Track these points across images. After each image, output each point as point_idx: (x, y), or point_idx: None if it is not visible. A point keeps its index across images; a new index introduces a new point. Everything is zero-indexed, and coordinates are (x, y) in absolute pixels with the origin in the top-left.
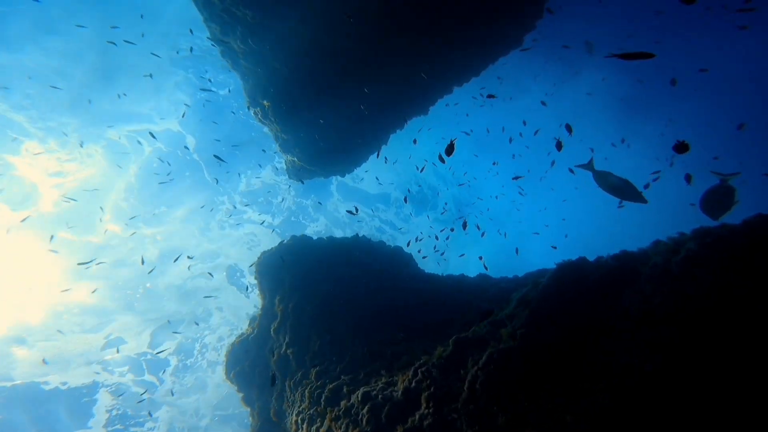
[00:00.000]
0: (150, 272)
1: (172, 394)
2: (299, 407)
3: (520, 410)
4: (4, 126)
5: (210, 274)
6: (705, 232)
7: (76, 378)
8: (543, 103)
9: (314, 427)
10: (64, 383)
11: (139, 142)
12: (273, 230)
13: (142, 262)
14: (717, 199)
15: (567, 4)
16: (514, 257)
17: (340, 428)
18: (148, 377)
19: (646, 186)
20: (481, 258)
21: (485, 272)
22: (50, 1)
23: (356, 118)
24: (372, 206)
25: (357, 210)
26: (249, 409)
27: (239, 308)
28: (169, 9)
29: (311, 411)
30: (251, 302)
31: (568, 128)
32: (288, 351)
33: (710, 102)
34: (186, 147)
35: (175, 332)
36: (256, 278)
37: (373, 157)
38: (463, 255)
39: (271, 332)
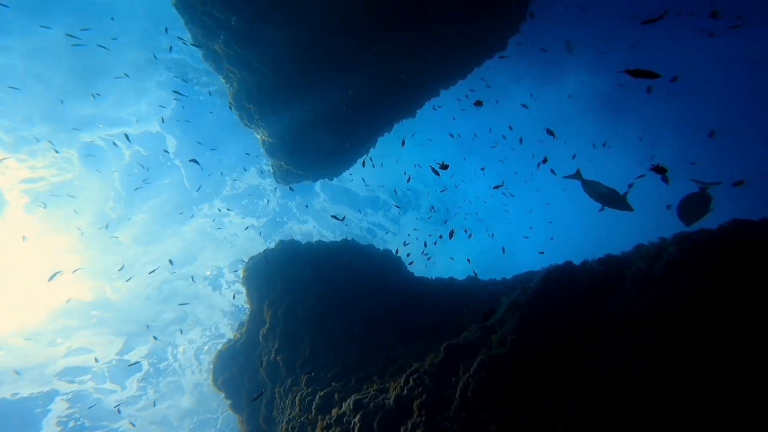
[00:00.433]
0: (128, 280)
1: (154, 405)
2: (290, 414)
3: (510, 416)
4: None
5: (192, 278)
6: (684, 237)
7: (30, 388)
8: (524, 106)
9: None
10: (15, 394)
11: (115, 144)
12: (259, 233)
13: (121, 268)
14: (693, 206)
15: (549, 7)
16: (502, 257)
17: None
18: (109, 385)
19: (631, 185)
20: (469, 261)
21: (473, 275)
22: (18, 3)
23: (344, 121)
24: (359, 208)
25: (343, 218)
26: (237, 416)
27: (217, 308)
28: (148, 9)
29: (302, 419)
30: (227, 300)
31: (550, 133)
32: (278, 357)
33: (686, 106)
34: (166, 150)
35: (155, 337)
36: (243, 284)
37: (361, 160)
38: (452, 259)
39: (260, 338)
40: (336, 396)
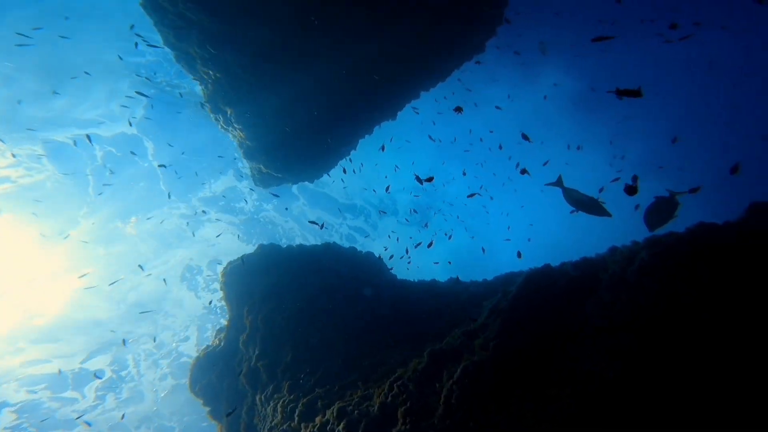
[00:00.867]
0: (112, 284)
1: (123, 418)
2: (271, 422)
3: (493, 421)
4: None
5: (164, 280)
6: (655, 241)
7: None
8: (498, 108)
9: None
10: None
11: (90, 141)
12: (237, 236)
13: (82, 276)
14: (658, 211)
15: (524, 11)
16: (482, 256)
17: None
18: (69, 394)
19: (601, 190)
20: (450, 263)
21: (455, 278)
22: None
23: (325, 124)
24: (337, 214)
25: (322, 225)
26: (217, 423)
27: (188, 311)
28: (124, 9)
29: (284, 426)
30: (202, 303)
31: (525, 137)
32: (259, 363)
33: (653, 109)
34: (132, 152)
35: (124, 341)
36: (221, 289)
37: (342, 164)
38: (437, 263)
39: (240, 344)
40: (319, 403)
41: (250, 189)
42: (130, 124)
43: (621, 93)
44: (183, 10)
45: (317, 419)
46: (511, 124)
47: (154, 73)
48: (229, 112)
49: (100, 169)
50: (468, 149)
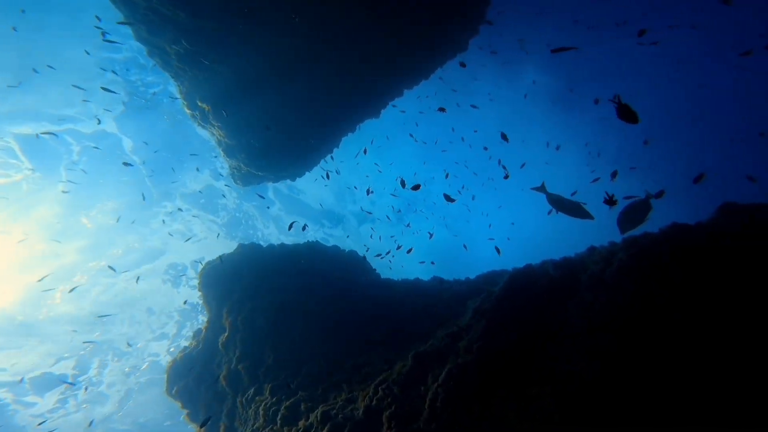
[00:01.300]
0: (71, 290)
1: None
2: (253, 425)
3: (477, 423)
4: None
5: (137, 278)
6: (632, 242)
7: None
8: (473, 106)
9: None
10: None
11: (67, 138)
12: (217, 235)
13: (42, 279)
14: (631, 214)
15: (506, 10)
16: (465, 253)
17: None
18: (31, 398)
19: (573, 194)
20: (433, 263)
21: (438, 278)
22: None
23: (307, 121)
24: (314, 221)
25: (305, 227)
26: (195, 426)
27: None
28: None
29: (267, 429)
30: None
31: (504, 137)
32: (239, 366)
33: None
34: (96, 147)
35: (92, 342)
36: (199, 290)
37: (325, 165)
38: (423, 262)
39: (220, 346)
40: (302, 406)
41: (225, 185)
42: (99, 122)
43: (620, 112)
44: (157, 5)
45: (301, 423)
46: (493, 123)
47: (127, 70)
48: (206, 109)
49: (74, 166)
50: (446, 149)
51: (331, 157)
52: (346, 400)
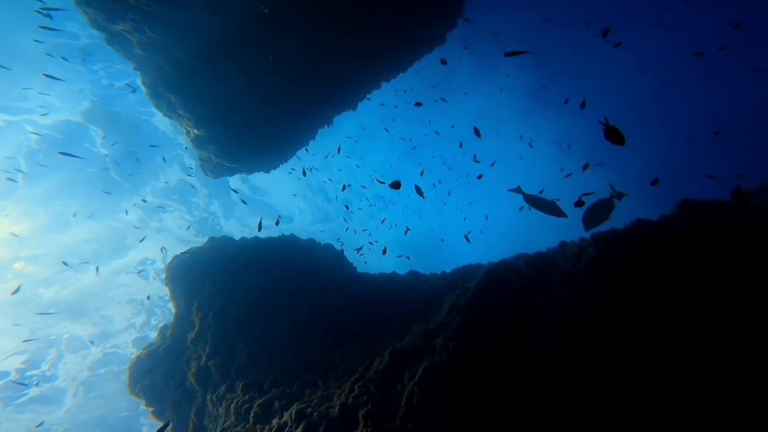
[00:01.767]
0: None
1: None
2: (224, 423)
3: (453, 419)
4: None
5: (96, 268)
6: (601, 238)
7: None
8: (442, 99)
9: None
10: None
11: (34, 133)
12: (188, 227)
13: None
14: (595, 212)
15: (481, 6)
16: (440, 245)
17: None
18: None
19: (541, 191)
20: (408, 257)
21: (414, 271)
22: None
23: (281, 112)
24: (286, 220)
25: (278, 221)
26: (161, 423)
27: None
28: None
29: (238, 428)
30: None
31: (477, 132)
32: (209, 362)
33: (594, 108)
34: (35, 140)
35: (29, 340)
36: (166, 284)
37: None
38: (400, 256)
39: (189, 342)
40: (276, 404)
41: (190, 176)
42: (43, 114)
43: (608, 133)
44: None
45: (274, 421)
46: (471, 118)
47: (84, 59)
48: (173, 99)
49: (33, 156)
50: (417, 146)
51: (306, 149)
52: (322, 397)
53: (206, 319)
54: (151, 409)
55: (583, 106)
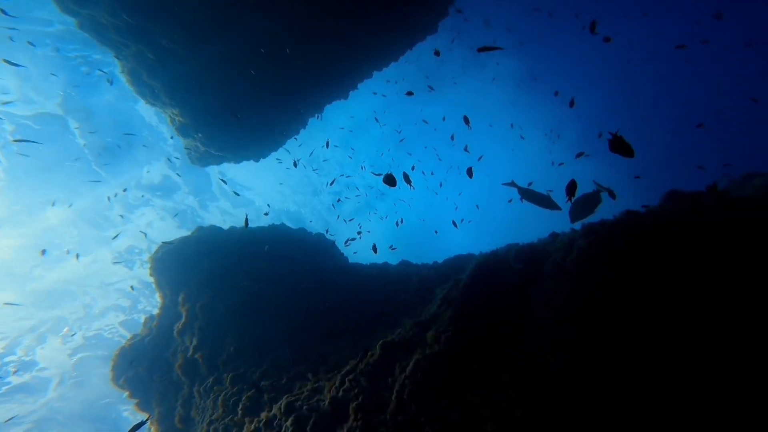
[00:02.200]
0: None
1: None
2: (211, 415)
3: (444, 412)
4: None
5: (76, 255)
6: (591, 229)
7: None
8: (430, 88)
9: None
10: None
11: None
12: (175, 215)
13: None
14: (581, 205)
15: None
16: (432, 235)
17: None
18: None
19: (530, 184)
20: (392, 248)
21: (406, 261)
22: None
23: (270, 100)
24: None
25: (267, 213)
26: (145, 415)
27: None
28: None
29: (226, 420)
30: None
31: (466, 121)
32: (197, 354)
33: (582, 100)
34: (12, 136)
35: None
36: (151, 274)
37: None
38: (393, 248)
39: (175, 334)
40: (265, 396)
41: (178, 174)
42: (5, 104)
43: (615, 144)
44: None
45: (263, 414)
46: (462, 108)
47: (57, 49)
48: (156, 87)
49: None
50: (404, 138)
51: (295, 138)
52: (312, 390)
53: (194, 311)
54: (135, 401)
55: (572, 104)
